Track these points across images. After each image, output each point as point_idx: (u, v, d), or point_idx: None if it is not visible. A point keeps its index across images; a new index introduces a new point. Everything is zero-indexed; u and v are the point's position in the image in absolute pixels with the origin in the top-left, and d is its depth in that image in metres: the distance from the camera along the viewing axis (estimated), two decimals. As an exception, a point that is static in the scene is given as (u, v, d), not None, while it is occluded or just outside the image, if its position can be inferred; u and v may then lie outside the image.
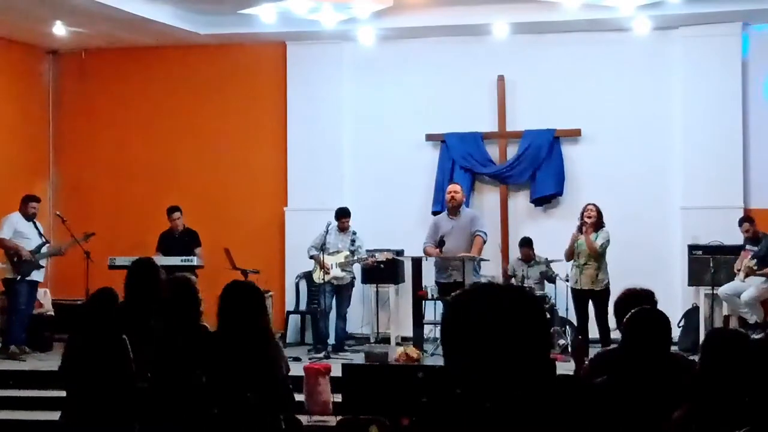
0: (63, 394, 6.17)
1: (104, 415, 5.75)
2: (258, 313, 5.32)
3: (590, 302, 10.50)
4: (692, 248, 11.59)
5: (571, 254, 10.64)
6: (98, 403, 5.76)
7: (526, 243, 11.86)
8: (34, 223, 11.35)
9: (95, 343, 5.80)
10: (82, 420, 5.80)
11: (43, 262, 11.37)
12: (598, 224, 10.58)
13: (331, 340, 11.59)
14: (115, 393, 5.75)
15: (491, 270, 11.75)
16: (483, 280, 10.87)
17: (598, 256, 10.46)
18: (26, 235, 11.23)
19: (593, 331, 10.45)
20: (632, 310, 4.33)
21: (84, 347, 5.85)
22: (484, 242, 10.89)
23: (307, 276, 12.34)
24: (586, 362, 5.27)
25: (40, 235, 11.37)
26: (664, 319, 4.33)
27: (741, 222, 11.32)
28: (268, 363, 5.28)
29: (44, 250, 11.33)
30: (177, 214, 12.09)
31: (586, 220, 10.56)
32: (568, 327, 11.46)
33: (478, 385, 2.15)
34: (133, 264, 6.95)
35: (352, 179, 13.06)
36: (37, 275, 11.31)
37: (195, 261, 11.60)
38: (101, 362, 5.75)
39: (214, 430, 5.25)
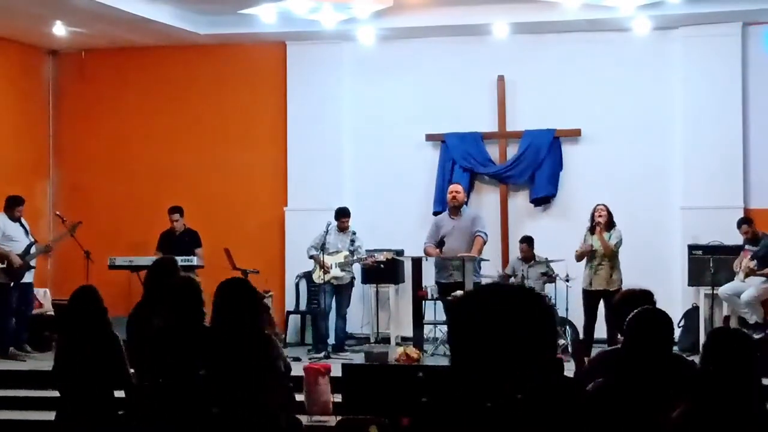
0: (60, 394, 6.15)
1: (97, 415, 5.72)
2: (251, 309, 5.27)
3: (601, 303, 10.50)
4: (692, 248, 11.59)
5: (582, 257, 10.70)
6: (90, 402, 5.73)
7: (526, 240, 11.88)
8: (21, 222, 11.25)
9: (82, 342, 5.77)
10: (76, 420, 5.78)
11: (33, 263, 11.28)
12: (610, 224, 10.68)
13: (331, 340, 11.59)
14: (107, 391, 5.72)
15: (491, 271, 11.75)
16: (483, 280, 10.88)
17: (612, 256, 10.54)
18: (14, 237, 11.10)
19: (598, 332, 10.46)
20: (635, 310, 4.32)
21: (72, 347, 5.82)
22: (485, 242, 10.89)
23: (307, 276, 12.34)
24: (586, 362, 5.28)
25: (27, 234, 11.26)
26: (666, 320, 4.33)
27: (739, 224, 11.31)
28: (266, 361, 5.25)
29: (33, 250, 11.24)
30: (176, 216, 12.08)
31: (598, 220, 10.64)
32: (567, 327, 11.47)
33: (479, 385, 2.15)
34: (153, 264, 6.85)
35: (352, 179, 13.06)
36: (28, 277, 11.22)
37: (195, 261, 11.61)
38: (91, 361, 5.72)
39: (214, 430, 5.24)
